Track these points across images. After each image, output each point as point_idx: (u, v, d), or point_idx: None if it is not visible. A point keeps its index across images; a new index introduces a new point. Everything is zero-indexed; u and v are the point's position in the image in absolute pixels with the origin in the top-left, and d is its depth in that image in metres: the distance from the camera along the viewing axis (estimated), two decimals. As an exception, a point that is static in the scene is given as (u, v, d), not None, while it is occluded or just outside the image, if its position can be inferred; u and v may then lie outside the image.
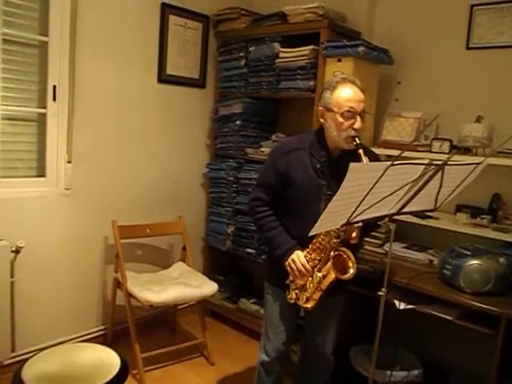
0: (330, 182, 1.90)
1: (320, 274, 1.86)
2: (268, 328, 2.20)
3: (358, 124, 1.84)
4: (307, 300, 1.93)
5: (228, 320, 3.42)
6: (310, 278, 1.89)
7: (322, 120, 1.94)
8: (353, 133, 1.84)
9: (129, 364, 1.99)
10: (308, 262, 1.89)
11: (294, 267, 1.89)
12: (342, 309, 2.19)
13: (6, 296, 2.49)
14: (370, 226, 2.01)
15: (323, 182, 1.91)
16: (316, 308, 2.02)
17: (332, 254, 1.83)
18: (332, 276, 1.83)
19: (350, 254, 1.82)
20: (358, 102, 1.85)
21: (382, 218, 1.83)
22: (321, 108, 1.93)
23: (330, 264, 1.83)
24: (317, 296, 1.90)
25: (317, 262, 1.88)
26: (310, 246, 1.90)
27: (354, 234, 1.82)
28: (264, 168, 2.09)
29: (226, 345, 3.18)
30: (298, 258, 1.89)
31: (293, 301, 1.97)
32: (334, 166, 1.92)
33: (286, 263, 1.92)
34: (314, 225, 1.83)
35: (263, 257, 3.06)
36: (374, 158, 1.96)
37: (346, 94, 1.86)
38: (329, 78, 2.62)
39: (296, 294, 1.96)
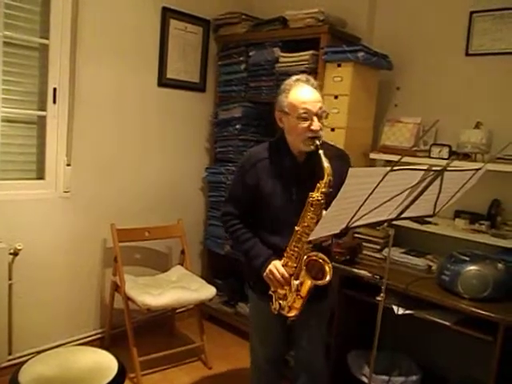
0: (298, 186, 1.87)
1: (297, 282, 1.82)
2: (255, 340, 2.17)
3: (315, 125, 1.79)
4: (290, 309, 1.88)
5: (226, 324, 3.41)
6: (288, 287, 1.85)
7: (280, 124, 1.91)
8: (310, 134, 1.79)
9: (126, 368, 1.99)
10: (286, 270, 1.85)
11: (273, 278, 1.86)
12: (328, 316, 2.14)
13: (4, 298, 2.48)
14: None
15: (292, 188, 1.88)
16: (300, 317, 1.97)
17: (304, 259, 1.79)
18: (308, 283, 1.80)
19: (323, 256, 1.79)
20: (313, 103, 1.80)
21: (380, 223, 1.83)
22: (278, 112, 1.90)
23: (303, 271, 1.79)
24: (298, 304, 1.85)
25: (294, 269, 1.84)
26: (285, 254, 1.86)
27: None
28: (233, 182, 2.05)
29: (224, 349, 3.17)
30: (276, 268, 1.85)
31: (277, 311, 1.91)
32: (301, 169, 1.90)
33: (264, 274, 1.88)
34: (288, 232, 1.82)
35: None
36: (337, 156, 1.89)
37: (300, 96, 1.81)
38: (328, 83, 2.69)
39: (279, 304, 1.90)
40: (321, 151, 1.76)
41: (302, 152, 1.89)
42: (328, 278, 1.77)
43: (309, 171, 1.85)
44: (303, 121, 1.80)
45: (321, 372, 2.13)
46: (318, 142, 1.78)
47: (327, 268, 1.78)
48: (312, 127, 1.79)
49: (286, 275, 1.84)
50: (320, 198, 1.75)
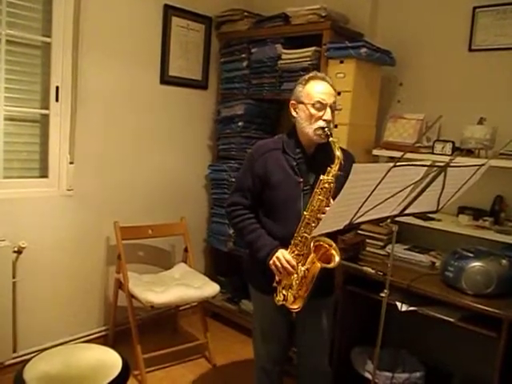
0: (306, 178, 1.91)
1: (304, 268, 1.82)
2: (259, 338, 2.16)
3: (327, 115, 1.85)
4: (294, 299, 1.87)
5: (229, 321, 3.42)
6: (295, 275, 1.85)
7: (294, 113, 1.96)
8: (322, 124, 1.85)
9: (130, 365, 1.99)
10: (292, 258, 1.86)
11: (279, 265, 1.85)
12: (332, 315, 2.13)
13: (8, 296, 2.49)
14: None
15: (300, 179, 1.90)
16: (305, 314, 1.97)
17: (312, 244, 1.81)
18: (317, 267, 1.79)
19: (330, 242, 1.80)
20: (329, 95, 1.88)
21: (383, 219, 1.82)
22: (293, 102, 1.96)
23: (312, 255, 1.80)
24: (303, 292, 1.84)
25: (300, 256, 1.85)
26: (292, 242, 1.87)
27: None
28: (241, 172, 2.05)
29: (228, 346, 3.17)
30: (283, 254, 1.86)
31: (281, 303, 1.90)
32: (310, 162, 1.93)
33: (271, 262, 1.87)
34: (295, 222, 1.84)
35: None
36: (347, 154, 1.92)
37: (317, 87, 1.89)
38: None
39: (284, 295, 1.90)
40: (332, 139, 1.80)
41: (311, 145, 1.93)
42: (336, 259, 1.78)
43: (317, 164, 1.88)
44: (318, 110, 1.86)
45: (325, 370, 2.12)
46: (328, 132, 1.83)
47: (334, 252, 1.79)
48: (325, 117, 1.86)
49: (293, 262, 1.84)
50: (330, 181, 1.77)
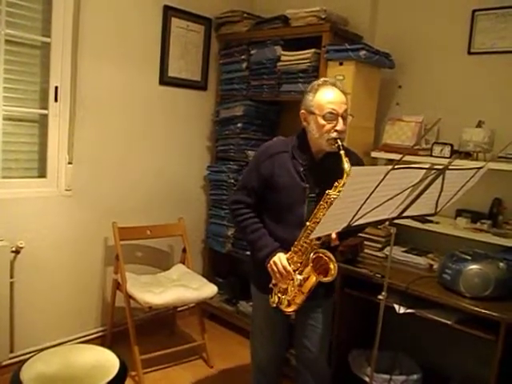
0: (312, 184, 1.90)
1: (300, 277, 1.83)
2: (257, 337, 2.18)
3: (339, 126, 1.83)
4: (289, 304, 1.89)
5: (227, 322, 3.41)
6: (291, 281, 1.86)
7: (304, 123, 1.94)
8: (335, 135, 1.83)
9: (127, 366, 1.99)
10: (290, 264, 1.86)
11: (275, 269, 1.86)
12: (331, 315, 2.14)
13: (6, 296, 2.48)
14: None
15: (306, 184, 1.90)
16: (305, 315, 1.99)
17: (311, 256, 1.81)
18: (313, 279, 1.81)
19: (330, 255, 1.80)
20: (340, 104, 1.85)
21: (381, 221, 1.82)
22: (303, 111, 1.93)
23: (309, 267, 1.81)
24: (299, 300, 1.86)
25: (299, 264, 1.86)
26: (292, 249, 1.87)
27: (333, 235, 1.80)
28: (247, 171, 2.06)
29: (225, 347, 3.17)
30: (280, 260, 1.86)
31: (275, 304, 1.93)
32: (317, 168, 1.92)
33: (268, 265, 1.89)
34: (297, 227, 1.85)
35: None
36: (356, 160, 1.93)
37: (328, 97, 1.85)
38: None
39: (278, 297, 1.92)
40: (342, 152, 1.79)
41: (320, 151, 1.92)
42: (333, 275, 1.78)
43: (324, 170, 1.88)
44: (329, 121, 1.83)
45: (323, 371, 2.13)
46: (340, 143, 1.81)
47: (332, 266, 1.79)
48: (337, 128, 1.83)
49: (288, 268, 1.85)
50: (336, 197, 1.75)
